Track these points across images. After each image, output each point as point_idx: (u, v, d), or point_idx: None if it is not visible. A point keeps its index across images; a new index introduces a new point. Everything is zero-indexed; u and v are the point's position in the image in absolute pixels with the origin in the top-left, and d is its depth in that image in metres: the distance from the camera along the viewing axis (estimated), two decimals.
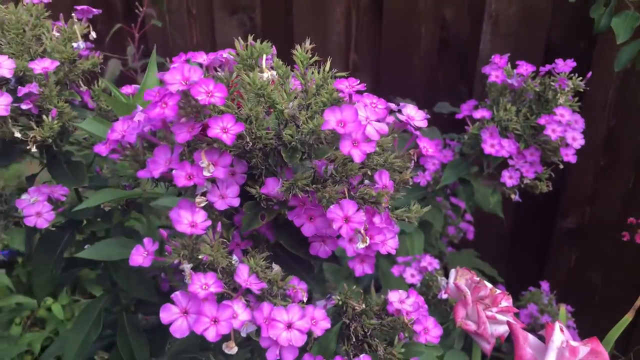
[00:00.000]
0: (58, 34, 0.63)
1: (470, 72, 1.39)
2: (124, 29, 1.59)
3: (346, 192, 0.43)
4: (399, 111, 0.47)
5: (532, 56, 1.31)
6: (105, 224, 0.77)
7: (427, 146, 0.48)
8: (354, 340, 0.52)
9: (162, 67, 0.69)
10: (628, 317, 0.57)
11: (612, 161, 1.38)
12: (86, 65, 0.66)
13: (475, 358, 0.60)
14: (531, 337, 0.48)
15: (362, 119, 0.41)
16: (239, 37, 0.51)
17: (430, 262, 0.91)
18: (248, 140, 0.43)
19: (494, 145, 0.83)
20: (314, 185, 0.44)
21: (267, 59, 0.46)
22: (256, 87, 0.42)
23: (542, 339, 0.48)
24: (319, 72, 0.45)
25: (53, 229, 0.64)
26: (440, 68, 1.44)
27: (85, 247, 0.66)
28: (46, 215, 0.62)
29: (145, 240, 0.44)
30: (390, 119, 0.49)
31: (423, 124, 0.47)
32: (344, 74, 0.45)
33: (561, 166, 0.87)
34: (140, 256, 0.43)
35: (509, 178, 0.86)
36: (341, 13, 1.45)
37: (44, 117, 0.59)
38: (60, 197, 0.65)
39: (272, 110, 0.46)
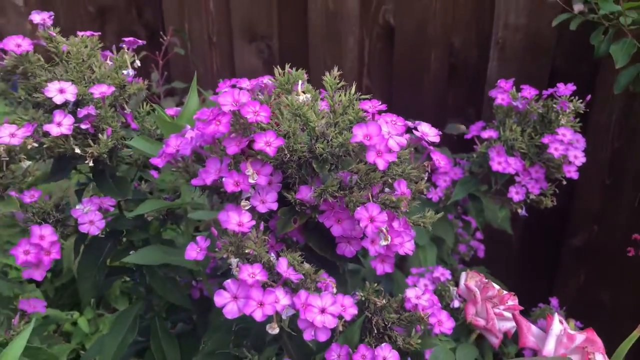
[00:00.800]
0: (111, 63, 0.71)
1: (479, 96, 1.46)
2: (148, 56, 1.68)
3: (370, 197, 0.50)
4: (415, 128, 0.54)
5: (537, 80, 1.38)
6: (143, 234, 0.84)
7: (439, 159, 0.55)
8: (375, 332, 0.58)
9: (184, 92, 0.77)
10: (636, 333, 0.58)
11: (617, 181, 1.42)
12: (133, 90, 0.74)
13: (487, 355, 0.66)
14: (534, 328, 0.54)
15: (384, 133, 0.48)
16: (258, 64, 0.58)
17: (442, 273, 0.97)
18: (286, 152, 0.50)
19: (500, 163, 0.90)
20: (342, 192, 0.51)
21: (301, 84, 0.53)
22: (294, 107, 0.50)
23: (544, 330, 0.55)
24: (345, 95, 0.53)
25: (102, 236, 0.71)
26: (449, 92, 1.51)
27: (130, 253, 0.73)
28: (98, 223, 0.69)
29: (199, 238, 0.51)
30: (406, 136, 0.56)
31: (436, 139, 0.54)
32: (367, 96, 0.53)
33: (564, 182, 0.94)
34: (194, 251, 0.51)
35: (515, 194, 0.92)
36: (355, 41, 1.53)
37: (100, 135, 0.66)
38: (109, 207, 0.72)
39: (305, 127, 0.53)
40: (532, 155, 0.92)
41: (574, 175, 0.90)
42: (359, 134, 0.48)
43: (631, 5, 0.91)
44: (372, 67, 1.56)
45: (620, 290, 1.50)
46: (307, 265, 0.53)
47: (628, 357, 0.65)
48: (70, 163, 0.72)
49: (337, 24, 1.52)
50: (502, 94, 0.93)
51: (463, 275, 0.65)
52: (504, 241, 1.54)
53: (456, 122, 1.46)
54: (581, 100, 0.91)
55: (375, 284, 0.60)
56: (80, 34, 0.74)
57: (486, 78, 1.43)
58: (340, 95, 0.53)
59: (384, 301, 0.58)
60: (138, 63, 0.78)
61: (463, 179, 0.98)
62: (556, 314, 0.52)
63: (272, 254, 0.53)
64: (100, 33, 0.79)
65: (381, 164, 0.48)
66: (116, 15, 1.85)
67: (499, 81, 0.95)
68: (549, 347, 0.50)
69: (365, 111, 0.51)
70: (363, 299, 0.59)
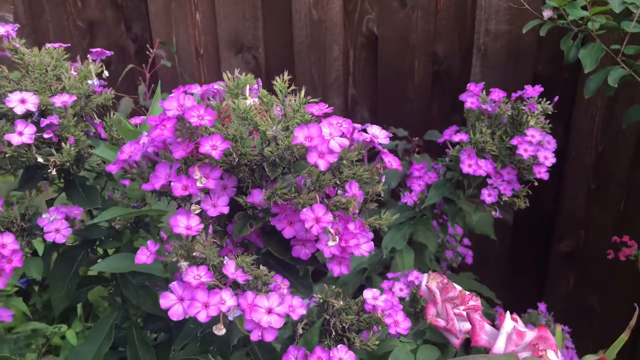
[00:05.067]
0: (75, 73, 0.72)
1: (462, 102, 1.47)
2: (136, 69, 1.69)
3: (317, 199, 0.51)
4: (364, 130, 0.55)
5: (520, 86, 1.38)
6: (116, 242, 0.85)
7: (391, 160, 0.55)
8: (333, 334, 0.58)
9: None
10: (624, 336, 0.59)
11: (602, 186, 1.42)
12: (99, 100, 0.75)
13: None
14: (487, 327, 0.54)
15: (325, 135, 0.49)
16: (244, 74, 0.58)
17: (417, 277, 0.97)
18: (234, 156, 0.51)
19: (471, 165, 0.90)
20: (291, 194, 0.52)
21: (251, 89, 0.54)
22: (240, 111, 0.51)
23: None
24: (295, 100, 0.53)
25: (73, 244, 0.72)
26: (433, 99, 1.52)
27: (98, 261, 0.74)
28: (64, 232, 0.70)
29: (149, 242, 0.52)
30: (359, 137, 0.56)
31: (386, 141, 0.54)
32: (315, 99, 0.53)
33: (536, 183, 0.94)
34: (144, 255, 0.51)
35: (488, 196, 0.93)
36: (339, 51, 1.54)
37: (63, 144, 0.67)
38: (76, 216, 0.72)
39: (257, 132, 0.54)
40: (503, 158, 0.93)
41: (544, 176, 0.90)
42: (299, 135, 0.48)
43: (598, 10, 0.92)
44: (357, 75, 1.57)
45: (608, 294, 1.50)
46: (261, 268, 0.53)
47: None
48: (38, 173, 0.72)
49: (322, 34, 1.54)
50: (472, 97, 0.94)
51: (425, 276, 0.65)
52: (493, 247, 1.54)
53: (441, 129, 1.47)
54: (549, 102, 0.92)
55: (333, 287, 0.60)
56: (48, 45, 0.75)
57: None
58: (291, 100, 0.54)
59: (341, 303, 0.59)
60: (106, 73, 0.79)
61: (437, 183, 0.99)
62: (508, 313, 0.53)
63: (226, 257, 0.53)
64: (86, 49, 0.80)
65: (322, 165, 0.48)
66: (105, 29, 1.87)
67: (468, 85, 0.95)
68: (499, 345, 0.50)
69: (312, 114, 0.52)
70: (321, 300, 0.60)
